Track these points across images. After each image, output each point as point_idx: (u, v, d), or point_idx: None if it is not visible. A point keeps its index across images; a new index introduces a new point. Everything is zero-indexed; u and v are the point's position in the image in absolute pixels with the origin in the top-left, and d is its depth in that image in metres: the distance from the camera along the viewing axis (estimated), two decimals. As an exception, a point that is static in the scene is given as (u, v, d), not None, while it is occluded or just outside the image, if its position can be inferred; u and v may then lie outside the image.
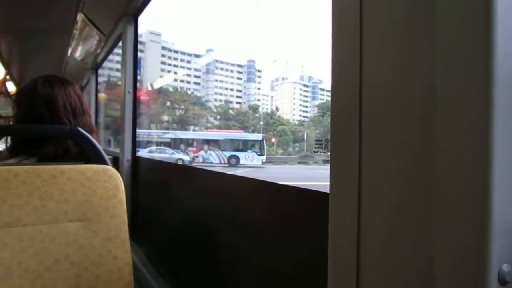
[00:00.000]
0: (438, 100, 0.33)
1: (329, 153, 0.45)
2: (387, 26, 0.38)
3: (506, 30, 0.30)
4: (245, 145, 19.45)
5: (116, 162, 1.83)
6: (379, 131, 0.38)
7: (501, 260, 0.30)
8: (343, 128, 0.42)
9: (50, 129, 1.10)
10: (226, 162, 18.83)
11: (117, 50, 2.26)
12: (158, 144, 19.95)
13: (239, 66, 45.89)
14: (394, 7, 0.37)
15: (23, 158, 1.07)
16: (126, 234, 1.01)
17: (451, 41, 0.32)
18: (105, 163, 1.06)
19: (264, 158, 19.22)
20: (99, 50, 2.40)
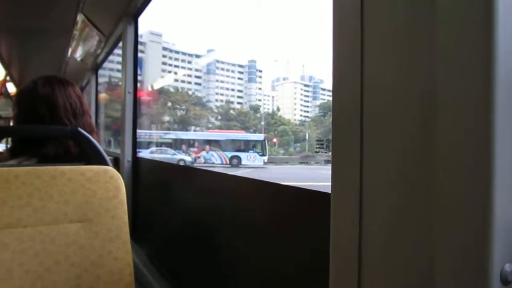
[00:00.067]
0: (438, 102, 0.33)
1: (330, 153, 0.45)
2: (388, 29, 0.38)
3: (507, 35, 0.30)
4: (247, 146, 19.46)
5: (116, 163, 1.83)
6: (380, 133, 0.38)
7: (503, 260, 0.30)
8: (345, 130, 0.42)
9: (50, 129, 1.10)
10: (228, 162, 18.84)
11: (117, 51, 2.26)
12: (160, 144, 19.97)
13: (240, 66, 45.93)
14: (395, 10, 0.37)
15: (23, 159, 1.07)
16: (127, 234, 1.01)
17: (451, 46, 0.32)
18: (105, 163, 1.06)
19: (266, 158, 19.22)
20: (99, 51, 2.40)
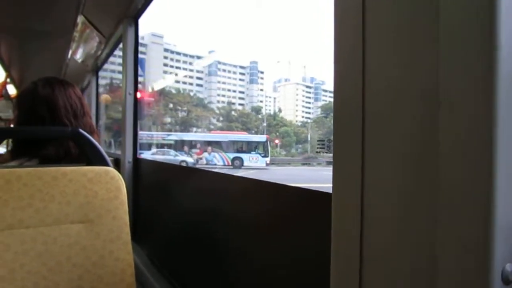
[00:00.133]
0: (440, 101, 0.33)
1: (331, 155, 0.45)
2: (389, 28, 0.38)
3: (509, 33, 0.30)
4: (249, 147, 19.46)
5: (117, 164, 1.83)
6: (382, 132, 0.38)
7: (504, 260, 0.30)
8: (346, 129, 0.42)
9: (51, 130, 1.10)
10: (230, 163, 18.85)
11: (118, 52, 2.26)
12: (162, 146, 20.02)
13: (242, 67, 46.00)
14: (396, 9, 0.37)
15: (24, 160, 1.07)
16: (128, 235, 1.01)
17: (453, 44, 0.32)
18: (106, 164, 1.06)
19: (268, 159, 19.22)
20: (99, 52, 2.41)
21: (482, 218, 0.30)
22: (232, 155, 19.17)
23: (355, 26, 0.41)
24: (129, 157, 1.76)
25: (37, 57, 2.80)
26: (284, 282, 0.74)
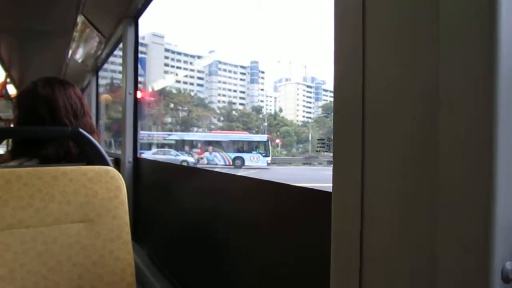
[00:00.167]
0: (440, 102, 0.33)
1: (332, 154, 0.45)
2: (390, 27, 0.38)
3: (509, 33, 0.30)
4: (250, 146, 19.46)
5: (117, 163, 1.83)
6: (382, 131, 0.38)
7: (504, 258, 0.30)
8: (346, 128, 0.42)
9: (51, 130, 1.10)
10: (231, 163, 18.85)
11: (118, 52, 2.26)
12: (163, 145, 20.02)
13: (242, 67, 45.99)
14: (396, 9, 0.37)
15: (24, 160, 1.07)
16: (128, 235, 1.01)
17: (453, 44, 0.32)
18: (106, 164, 1.06)
19: (269, 159, 19.21)
20: (99, 52, 2.41)
21: (482, 218, 0.30)
22: (233, 155, 19.17)
23: (355, 26, 0.41)
24: (129, 156, 1.76)
25: (37, 57, 2.80)
26: (285, 282, 0.74)
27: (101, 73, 3.21)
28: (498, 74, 0.29)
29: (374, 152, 0.39)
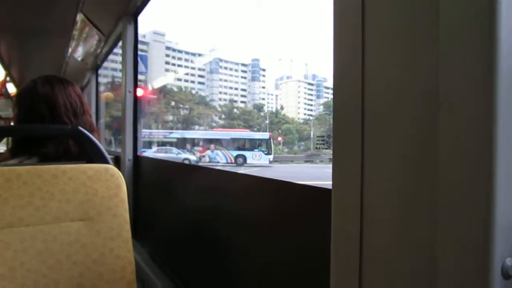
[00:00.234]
0: (440, 103, 0.33)
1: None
2: (389, 28, 0.38)
3: (509, 34, 0.30)
4: (252, 144, 19.44)
5: (117, 161, 1.83)
6: (382, 133, 0.38)
7: (504, 255, 0.30)
8: (346, 129, 0.42)
9: (51, 129, 1.10)
10: (233, 161, 18.85)
11: (118, 50, 2.26)
12: (164, 144, 20.04)
13: (243, 65, 45.94)
14: (396, 9, 0.37)
15: (24, 158, 1.08)
16: (128, 233, 1.01)
17: (452, 44, 0.32)
18: (106, 162, 1.06)
19: (271, 157, 19.18)
20: (99, 50, 2.41)
21: (482, 219, 0.30)
22: (235, 153, 19.16)
23: (355, 25, 0.41)
24: (129, 155, 1.76)
25: (36, 55, 2.81)
26: (286, 280, 0.74)
27: (101, 71, 3.21)
28: (497, 75, 0.29)
29: (373, 152, 0.39)
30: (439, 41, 0.33)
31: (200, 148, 19.97)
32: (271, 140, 20.29)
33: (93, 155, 1.07)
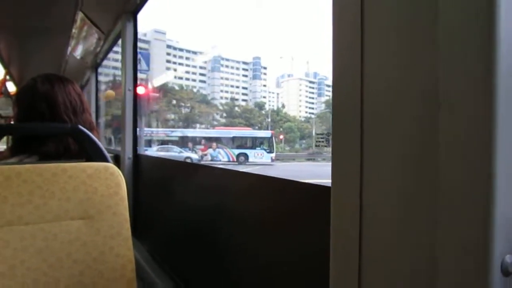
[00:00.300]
0: (440, 103, 0.33)
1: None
2: (389, 24, 0.38)
3: (508, 34, 0.30)
4: (254, 143, 19.44)
5: (117, 160, 1.83)
6: (381, 133, 0.38)
7: (503, 252, 0.30)
8: (345, 129, 0.43)
9: (51, 127, 1.10)
10: (235, 160, 18.86)
11: (118, 49, 2.26)
12: (166, 142, 20.07)
13: (245, 63, 45.91)
14: (395, 8, 0.37)
15: (24, 156, 1.08)
16: (128, 231, 1.01)
17: (452, 44, 0.32)
18: (106, 160, 1.06)
19: (273, 155, 19.18)
20: (98, 49, 2.41)
21: (482, 218, 0.30)
22: (237, 151, 19.17)
23: (354, 24, 0.41)
24: (129, 153, 1.76)
25: (36, 54, 2.81)
26: (286, 279, 0.73)
27: (101, 70, 3.21)
28: (497, 75, 0.29)
29: (373, 152, 0.39)
30: (438, 41, 0.33)
31: (202, 147, 19.98)
32: (273, 138, 20.28)
33: (93, 154, 1.07)
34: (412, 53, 0.35)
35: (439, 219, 0.33)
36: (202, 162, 16.34)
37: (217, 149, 19.47)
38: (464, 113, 0.31)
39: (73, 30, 2.13)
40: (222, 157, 19.13)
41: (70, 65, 3.07)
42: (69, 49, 2.57)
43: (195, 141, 20.51)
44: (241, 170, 1.06)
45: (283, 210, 0.75)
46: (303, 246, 0.68)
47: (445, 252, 0.32)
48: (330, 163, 0.45)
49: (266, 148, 19.09)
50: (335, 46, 0.44)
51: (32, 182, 0.93)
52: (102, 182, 0.99)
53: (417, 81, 0.35)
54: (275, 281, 0.77)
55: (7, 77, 3.63)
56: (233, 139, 19.74)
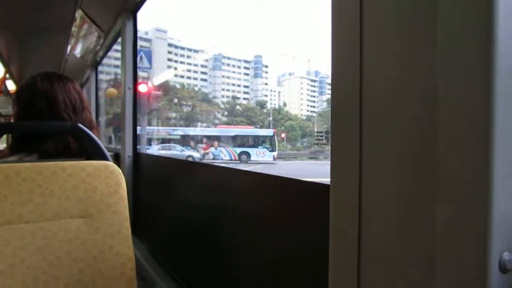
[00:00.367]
0: (439, 97, 0.33)
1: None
2: (388, 24, 0.38)
3: (508, 34, 0.30)
4: (256, 141, 19.40)
5: (117, 158, 1.83)
6: (380, 132, 0.39)
7: (501, 249, 0.31)
8: (344, 124, 0.43)
9: (51, 125, 1.10)
10: (237, 158, 18.84)
11: (118, 47, 2.25)
12: (168, 141, 20.07)
13: (246, 61, 45.86)
14: (395, 8, 0.37)
15: (24, 155, 1.08)
16: (128, 229, 1.01)
17: (452, 44, 0.32)
18: (106, 159, 1.06)
19: (275, 154, 19.13)
20: (98, 47, 2.41)
21: (481, 217, 0.30)
22: (239, 150, 19.14)
23: (353, 24, 0.41)
24: (128, 151, 1.76)
25: (36, 52, 2.82)
26: (286, 278, 0.73)
27: (102, 68, 3.21)
28: (496, 75, 0.30)
29: (372, 151, 0.39)
30: (438, 41, 0.33)
31: (204, 145, 19.97)
32: (275, 137, 20.25)
33: (93, 152, 1.07)
34: (412, 53, 0.35)
35: (438, 212, 0.33)
36: (204, 161, 16.35)
37: (219, 148, 19.44)
38: (464, 112, 0.31)
39: (73, 29, 2.13)
40: (224, 156, 19.11)
41: (70, 63, 3.07)
42: (69, 47, 2.58)
43: (197, 139, 20.50)
44: (243, 168, 1.06)
45: (285, 209, 0.75)
46: (304, 245, 0.68)
47: (444, 250, 0.33)
48: (328, 162, 0.45)
49: (268, 146, 19.04)
50: (334, 46, 0.44)
51: (32, 181, 0.93)
52: (102, 180, 0.99)
53: (417, 80, 0.35)
54: (276, 280, 0.77)
55: (7, 75, 3.64)
56: (235, 137, 19.72)
